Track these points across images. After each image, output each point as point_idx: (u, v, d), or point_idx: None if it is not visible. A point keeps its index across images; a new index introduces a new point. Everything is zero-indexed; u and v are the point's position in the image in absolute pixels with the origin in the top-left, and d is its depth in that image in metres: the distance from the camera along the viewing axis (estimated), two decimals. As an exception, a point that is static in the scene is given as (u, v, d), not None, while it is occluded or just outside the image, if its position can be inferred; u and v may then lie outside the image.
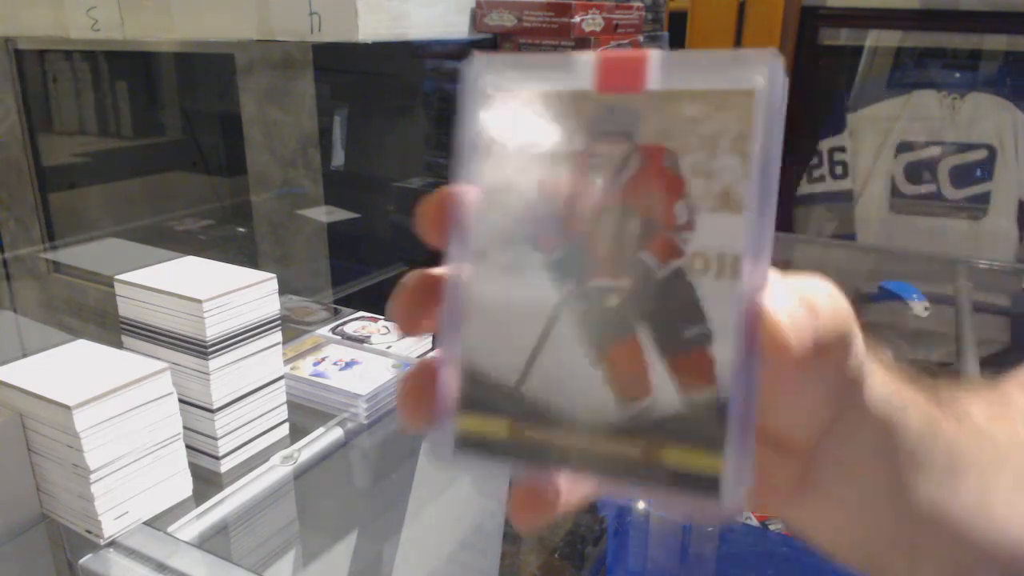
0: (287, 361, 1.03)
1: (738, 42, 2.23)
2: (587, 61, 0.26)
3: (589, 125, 0.26)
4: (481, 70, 0.28)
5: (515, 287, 0.26)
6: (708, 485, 0.24)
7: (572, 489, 0.27)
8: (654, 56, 0.26)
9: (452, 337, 0.27)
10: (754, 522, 1.15)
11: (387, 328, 1.18)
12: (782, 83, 0.24)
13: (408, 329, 0.28)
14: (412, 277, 0.28)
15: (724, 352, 0.24)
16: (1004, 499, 0.35)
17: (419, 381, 0.27)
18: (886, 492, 0.33)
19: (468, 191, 0.27)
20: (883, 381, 0.31)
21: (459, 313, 0.27)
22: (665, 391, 0.25)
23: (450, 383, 0.26)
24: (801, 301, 0.25)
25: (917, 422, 0.32)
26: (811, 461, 0.31)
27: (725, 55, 0.25)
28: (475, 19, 1.41)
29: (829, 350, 0.26)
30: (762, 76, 0.25)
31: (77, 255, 1.88)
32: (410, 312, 0.28)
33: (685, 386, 0.24)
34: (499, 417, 0.26)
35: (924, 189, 2.22)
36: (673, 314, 0.25)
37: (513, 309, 0.26)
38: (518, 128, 0.27)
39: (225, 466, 0.88)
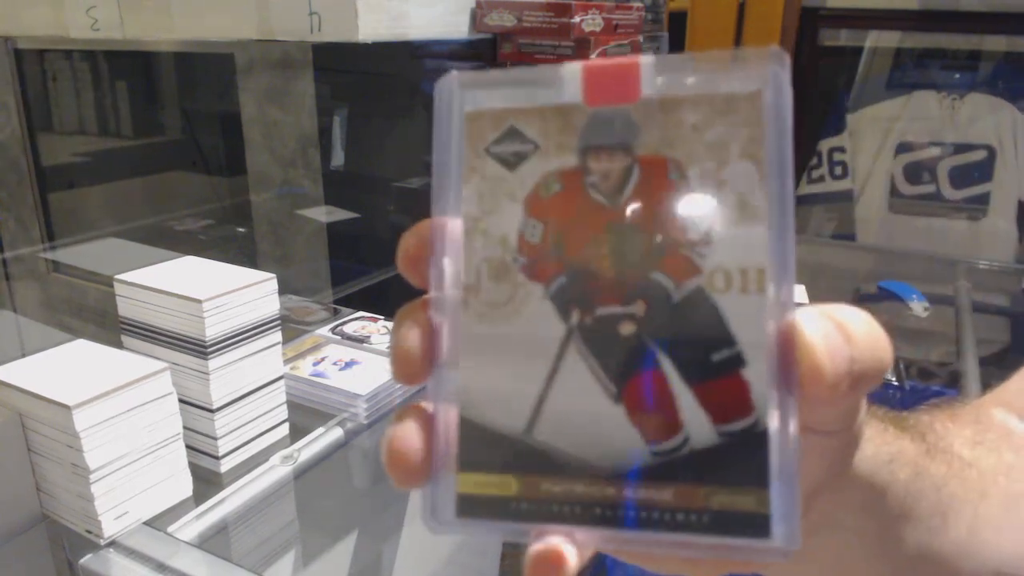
0: (287, 361, 1.02)
1: (738, 42, 2.23)
2: (573, 72, 0.24)
3: (581, 140, 0.24)
4: (456, 89, 0.25)
5: (512, 323, 0.24)
6: (756, 524, 0.21)
7: (596, 545, 0.24)
8: (646, 62, 0.24)
9: (444, 385, 0.24)
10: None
11: (387, 328, 1.18)
12: (788, 82, 0.23)
13: (410, 381, 0.24)
14: (406, 319, 0.25)
15: (759, 374, 0.22)
16: (992, 524, 0.35)
17: (409, 434, 0.24)
18: (874, 546, 0.32)
19: (450, 222, 0.24)
20: (873, 440, 0.30)
21: (450, 358, 0.24)
22: (697, 424, 0.22)
23: (445, 437, 0.23)
24: (836, 326, 0.23)
25: (905, 473, 0.31)
26: None
27: (724, 56, 0.23)
28: (475, 19, 1.41)
29: (862, 384, 0.23)
30: (767, 76, 0.23)
31: (77, 255, 1.87)
32: (410, 361, 0.24)
33: (719, 417, 0.22)
34: (506, 472, 0.23)
35: (923, 189, 2.22)
36: (697, 338, 0.22)
37: (512, 348, 0.24)
38: (501, 149, 0.25)
39: (225, 466, 0.87)
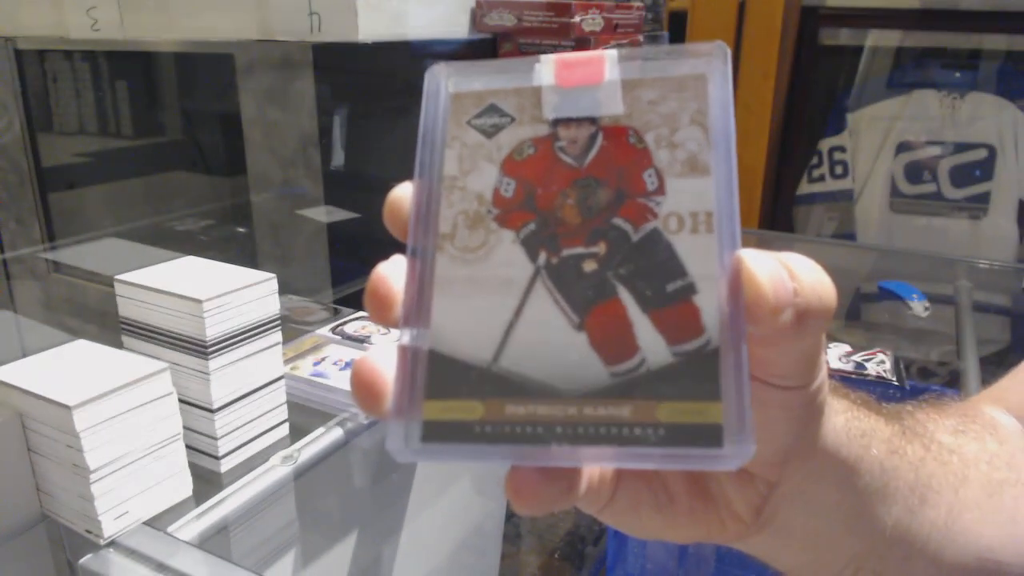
0: (287, 361, 1.02)
1: (738, 42, 2.23)
2: (548, 60, 0.28)
3: (552, 112, 0.27)
4: (445, 74, 0.29)
5: (484, 264, 0.26)
6: (709, 435, 0.23)
7: (558, 462, 0.25)
8: (610, 53, 0.27)
9: (415, 321, 0.26)
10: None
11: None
12: (729, 69, 0.27)
13: (382, 319, 0.26)
14: (383, 265, 0.27)
15: (709, 300, 0.24)
16: (974, 509, 0.35)
17: (379, 362, 0.25)
18: (849, 522, 0.33)
19: (431, 180, 0.27)
20: (843, 414, 0.31)
21: (423, 296, 0.26)
22: (653, 347, 0.24)
23: (414, 368, 0.25)
24: (780, 263, 0.25)
25: (879, 452, 0.32)
26: (771, 494, 0.31)
27: (677, 49, 0.27)
28: (475, 19, 1.41)
29: (807, 320, 0.25)
30: (712, 63, 0.27)
31: (77, 255, 1.87)
32: (382, 301, 0.26)
33: (673, 339, 0.24)
34: (471, 398, 0.25)
35: (924, 189, 2.22)
36: (653, 271, 0.25)
37: (483, 286, 0.26)
38: (481, 121, 0.28)
39: (225, 466, 0.87)
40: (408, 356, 0.25)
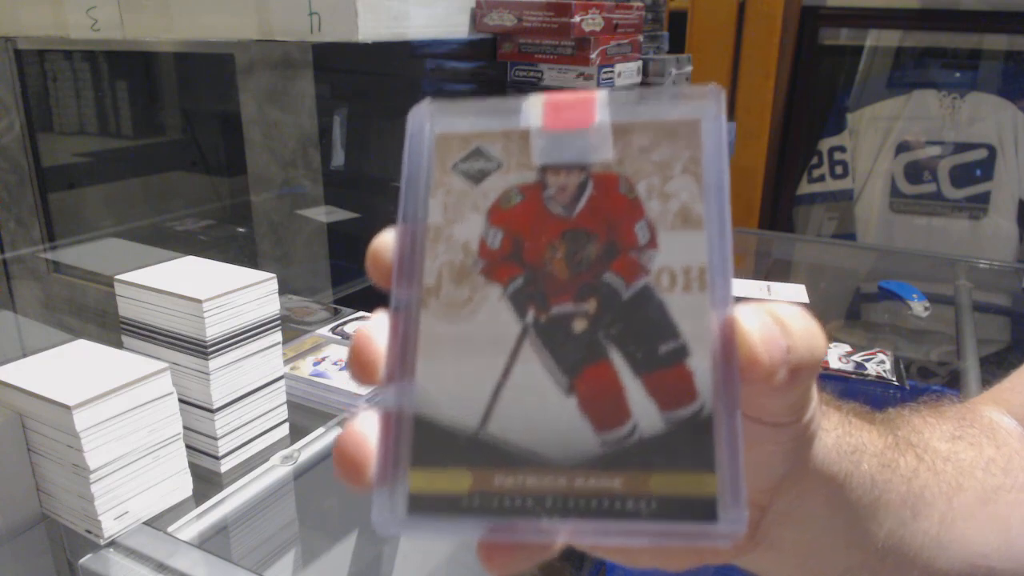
0: (287, 361, 1.03)
1: (738, 42, 2.23)
2: (535, 102, 0.27)
3: (540, 158, 0.26)
4: (429, 114, 0.27)
5: (470, 322, 0.25)
6: (703, 508, 0.22)
7: (551, 538, 0.24)
8: (600, 95, 0.26)
9: (399, 383, 0.24)
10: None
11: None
12: (723, 113, 0.26)
13: (368, 382, 0.25)
14: (366, 326, 0.25)
15: (702, 364, 0.23)
16: (967, 517, 0.35)
17: (361, 433, 0.24)
18: (842, 537, 0.33)
19: (415, 229, 0.26)
20: (833, 431, 0.31)
21: (407, 357, 0.25)
22: (645, 413, 0.23)
23: (398, 435, 0.24)
24: (773, 319, 0.24)
25: (870, 467, 0.32)
26: (762, 517, 0.31)
27: (669, 91, 0.26)
28: (475, 19, 1.41)
29: (800, 374, 0.25)
30: (706, 107, 0.26)
31: (77, 255, 1.87)
32: (366, 365, 0.25)
33: (666, 404, 0.23)
34: (459, 468, 0.23)
35: (924, 189, 2.22)
36: (645, 332, 0.24)
37: (469, 346, 0.25)
38: (467, 166, 0.27)
39: (225, 466, 0.87)
40: (392, 421, 0.24)
